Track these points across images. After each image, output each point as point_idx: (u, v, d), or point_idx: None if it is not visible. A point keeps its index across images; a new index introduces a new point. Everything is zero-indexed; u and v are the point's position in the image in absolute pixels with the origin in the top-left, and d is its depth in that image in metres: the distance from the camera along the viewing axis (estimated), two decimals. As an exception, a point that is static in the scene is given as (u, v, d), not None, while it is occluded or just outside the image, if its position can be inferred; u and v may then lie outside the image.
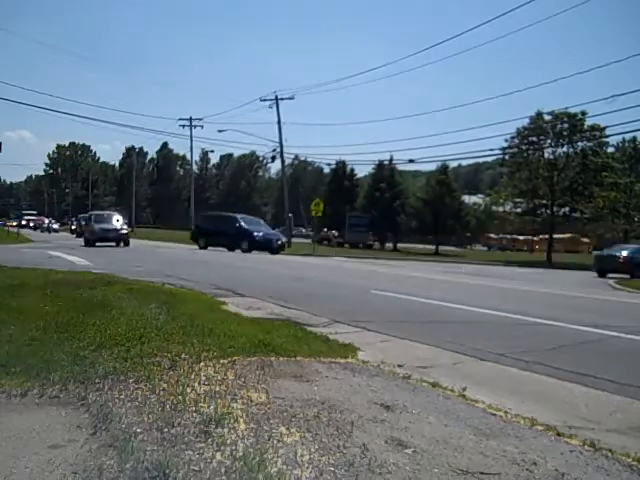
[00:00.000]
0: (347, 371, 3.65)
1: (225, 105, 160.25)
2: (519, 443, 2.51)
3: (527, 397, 3.44)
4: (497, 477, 2.13)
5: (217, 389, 2.96)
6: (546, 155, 39.82)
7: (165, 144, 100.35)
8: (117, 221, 24.31)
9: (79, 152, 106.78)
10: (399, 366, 3.97)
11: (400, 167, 52.35)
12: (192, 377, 3.14)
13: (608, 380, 3.92)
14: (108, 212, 28.81)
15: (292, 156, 60.78)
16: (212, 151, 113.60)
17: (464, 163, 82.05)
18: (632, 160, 59.92)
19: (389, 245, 51.59)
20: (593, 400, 3.49)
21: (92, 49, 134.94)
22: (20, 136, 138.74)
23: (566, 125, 37.83)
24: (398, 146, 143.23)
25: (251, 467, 2.00)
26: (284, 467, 2.04)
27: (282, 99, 37.32)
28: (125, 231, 23.80)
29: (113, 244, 22.89)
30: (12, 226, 38.42)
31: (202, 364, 3.44)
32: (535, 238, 54.47)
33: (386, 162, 50.17)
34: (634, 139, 63.84)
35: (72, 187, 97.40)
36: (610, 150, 41.57)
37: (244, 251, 23.22)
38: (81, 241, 25.42)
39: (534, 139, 39.66)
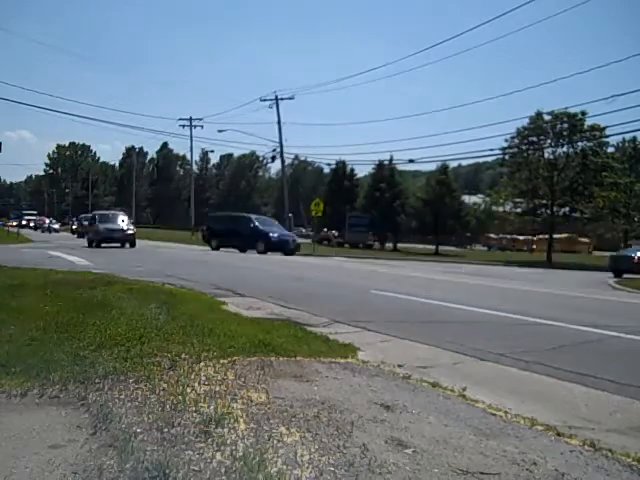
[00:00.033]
0: (347, 371, 3.65)
1: (225, 105, 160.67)
2: (519, 443, 2.51)
3: (527, 397, 3.44)
4: (497, 477, 2.13)
5: (217, 389, 2.96)
6: (546, 155, 39.81)
7: (165, 144, 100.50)
8: (122, 221, 23.53)
9: (79, 152, 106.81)
10: (399, 366, 3.97)
11: (400, 167, 52.40)
12: (192, 377, 3.14)
13: (608, 380, 3.92)
14: (113, 212, 27.68)
15: (292, 156, 60.97)
16: (212, 151, 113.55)
17: (464, 163, 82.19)
18: (632, 160, 59.97)
19: (389, 245, 51.59)
20: (593, 400, 3.49)
21: (92, 49, 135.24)
22: (20, 136, 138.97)
23: (566, 125, 37.82)
24: (398, 146, 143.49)
25: (251, 467, 2.00)
26: (284, 467, 2.04)
27: (282, 99, 37.46)
28: (131, 231, 22.93)
29: (118, 245, 22.20)
30: (12, 226, 38.36)
31: (202, 364, 3.44)
32: (534, 238, 54.49)
33: (386, 162, 50.19)
34: (634, 139, 63.92)
35: (72, 187, 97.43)
36: (610, 150, 41.55)
37: (260, 252, 22.72)
38: (83, 242, 25.31)
39: (534, 139, 39.64)
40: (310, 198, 41.84)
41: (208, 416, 2.50)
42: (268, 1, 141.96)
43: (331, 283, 10.97)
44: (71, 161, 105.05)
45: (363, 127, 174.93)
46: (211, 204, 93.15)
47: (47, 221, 56.86)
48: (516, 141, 39.47)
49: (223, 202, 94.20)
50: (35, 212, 68.39)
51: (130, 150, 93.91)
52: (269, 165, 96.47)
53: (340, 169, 54.01)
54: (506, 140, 38.91)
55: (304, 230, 61.98)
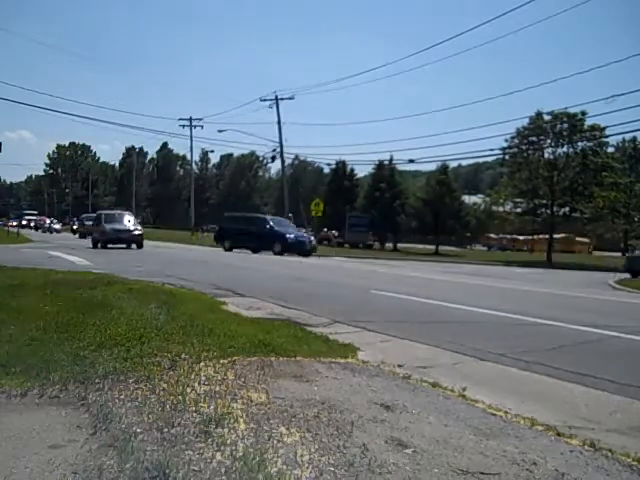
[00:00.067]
0: (347, 371, 3.65)
1: (225, 105, 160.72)
2: (519, 443, 2.51)
3: (527, 397, 3.44)
4: (497, 477, 2.13)
5: (217, 389, 2.96)
6: (546, 155, 39.84)
7: (165, 144, 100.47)
8: (129, 221, 22.60)
9: (79, 152, 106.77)
10: (399, 366, 3.97)
11: (400, 167, 52.43)
12: (192, 377, 3.14)
13: (608, 380, 3.92)
14: (119, 211, 26.36)
15: (292, 156, 60.87)
16: (212, 151, 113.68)
17: (464, 163, 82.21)
18: (632, 160, 60.06)
19: (389, 245, 51.61)
20: (593, 400, 3.49)
21: (92, 49, 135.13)
22: (20, 136, 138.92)
23: (566, 125, 37.84)
24: (398, 146, 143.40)
25: (251, 467, 2.00)
26: (284, 467, 2.04)
27: (282, 99, 37.43)
28: (139, 232, 21.83)
29: (123, 246, 21.26)
30: (12, 226, 38.31)
31: (202, 364, 3.44)
32: (534, 238, 54.48)
33: (386, 162, 50.22)
34: (634, 139, 64.03)
35: (72, 187, 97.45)
36: (610, 150, 41.57)
37: (276, 253, 22.39)
38: (85, 242, 25.14)
39: (534, 139, 39.66)
40: (310, 198, 41.85)
41: (208, 416, 2.50)
42: (268, 1, 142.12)
43: (331, 283, 10.97)
44: (71, 161, 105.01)
45: (363, 127, 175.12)
46: (211, 204, 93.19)
47: (48, 221, 56.00)
48: (516, 141, 39.52)
49: (223, 202, 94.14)
50: (35, 212, 68.32)
51: (130, 150, 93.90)
52: (269, 165, 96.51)
53: (340, 169, 54.03)
54: (506, 140, 38.99)
55: (304, 230, 61.87)
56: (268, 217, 25.90)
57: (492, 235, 63.86)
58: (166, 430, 2.33)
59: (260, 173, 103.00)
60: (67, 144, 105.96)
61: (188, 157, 66.89)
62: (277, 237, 23.13)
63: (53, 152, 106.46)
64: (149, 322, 4.57)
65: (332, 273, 14.20)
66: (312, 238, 25.73)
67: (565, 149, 39.43)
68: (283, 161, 39.66)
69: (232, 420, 2.49)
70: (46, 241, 27.75)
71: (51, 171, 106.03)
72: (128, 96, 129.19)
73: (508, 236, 62.59)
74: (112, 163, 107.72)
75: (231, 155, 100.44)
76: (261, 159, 70.11)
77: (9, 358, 3.28)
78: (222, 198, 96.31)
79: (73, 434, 2.29)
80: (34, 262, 11.47)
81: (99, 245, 21.13)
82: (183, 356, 3.56)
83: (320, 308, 6.63)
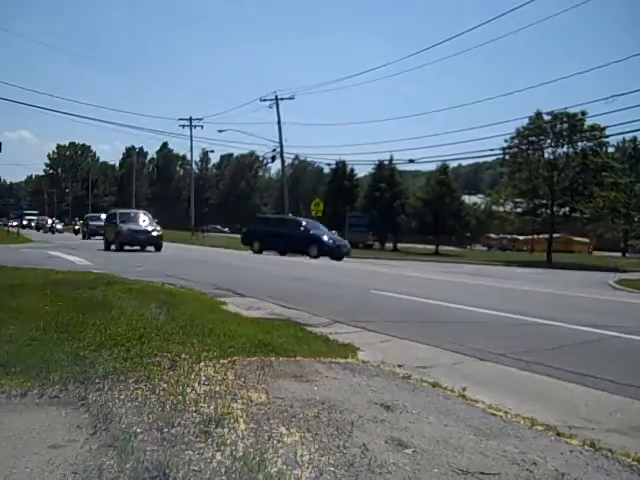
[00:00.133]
0: (347, 371, 3.65)
1: (225, 105, 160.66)
2: (519, 443, 2.51)
3: (527, 397, 3.44)
4: (497, 477, 2.13)
5: (217, 389, 2.96)
6: (546, 155, 39.80)
7: (165, 144, 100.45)
8: (146, 221, 20.84)
9: (79, 152, 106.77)
10: (399, 366, 3.97)
11: (400, 167, 52.39)
12: (192, 377, 3.14)
13: (608, 380, 3.92)
14: (134, 210, 24.03)
15: (292, 156, 60.87)
16: (212, 151, 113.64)
17: (464, 163, 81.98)
18: (632, 160, 60.10)
19: (389, 245, 51.59)
20: (593, 400, 3.49)
21: (92, 49, 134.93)
22: (20, 136, 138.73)
23: (566, 125, 37.82)
24: (398, 146, 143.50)
25: (251, 467, 2.00)
26: (284, 467, 2.04)
27: (282, 99, 37.39)
28: (157, 233, 20.01)
29: (138, 248, 19.59)
30: (12, 226, 38.26)
31: (202, 364, 3.44)
32: (534, 237, 54.49)
33: (386, 162, 50.19)
34: (634, 139, 64.09)
35: (72, 187, 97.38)
36: (610, 150, 41.55)
37: (312, 257, 21.66)
38: (90, 243, 24.84)
39: (534, 139, 39.64)
40: (310, 198, 41.90)
41: (208, 416, 2.50)
42: (268, 1, 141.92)
43: (331, 283, 10.97)
44: (71, 161, 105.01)
45: (363, 127, 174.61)
46: (211, 204, 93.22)
47: (50, 221, 54.50)
48: (516, 141, 39.47)
49: (223, 202, 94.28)
50: (36, 212, 68.26)
51: (130, 150, 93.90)
52: (269, 165, 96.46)
53: (340, 169, 53.98)
54: (506, 140, 38.94)
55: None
56: (302, 220, 25.06)
57: (492, 235, 63.85)
58: (166, 430, 2.33)
59: (260, 173, 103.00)
60: (67, 144, 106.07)
61: (188, 157, 66.92)
62: (313, 240, 22.57)
63: (53, 152, 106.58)
64: (149, 322, 4.57)
65: (332, 273, 14.20)
66: (348, 243, 25.05)
67: (565, 149, 39.43)
68: (283, 161, 39.68)
69: (232, 420, 2.49)
70: (46, 241, 27.75)
71: (51, 171, 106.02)
72: (128, 96, 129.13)
73: (508, 236, 62.59)
74: (112, 163, 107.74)
75: (231, 155, 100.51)
76: (261, 159, 70.10)
77: (9, 358, 3.29)
78: (222, 198, 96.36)
79: (73, 434, 2.29)
80: (34, 262, 11.47)
81: (113, 247, 19.68)
82: (183, 356, 3.56)
83: (320, 308, 6.63)
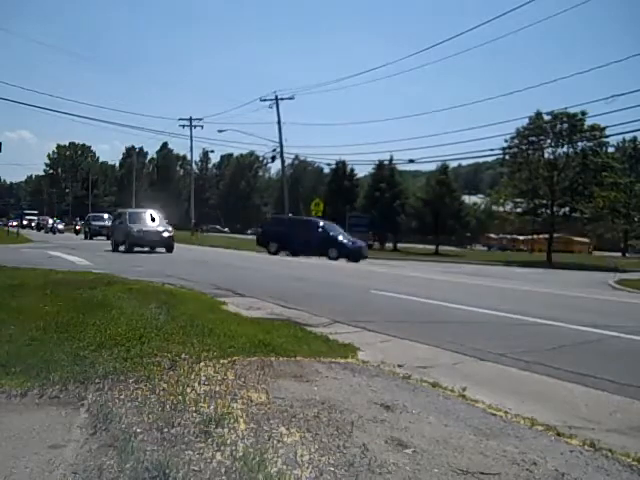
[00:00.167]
0: (347, 371, 3.65)
1: (225, 105, 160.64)
2: (519, 443, 2.51)
3: (527, 397, 3.44)
4: (497, 477, 2.13)
5: (217, 389, 2.96)
6: (546, 155, 39.80)
7: (165, 144, 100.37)
8: (155, 221, 19.69)
9: (79, 152, 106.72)
10: (399, 366, 3.97)
11: (400, 167, 52.35)
12: (192, 377, 3.14)
13: (608, 380, 3.92)
14: (145, 210, 22.09)
15: (292, 156, 60.73)
16: (212, 151, 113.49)
17: (464, 163, 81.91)
18: (632, 160, 60.11)
19: (389, 245, 51.56)
20: (593, 400, 3.49)
21: (92, 49, 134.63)
22: (20, 136, 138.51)
23: (566, 125, 37.82)
24: (398, 146, 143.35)
25: (251, 467, 2.00)
26: (284, 467, 2.04)
27: (282, 99, 37.34)
28: (169, 234, 19.02)
29: (146, 249, 18.61)
30: (12, 226, 38.23)
31: (202, 364, 3.44)
32: (533, 237, 54.49)
33: (386, 162, 50.16)
34: (634, 139, 64.11)
35: (72, 187, 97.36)
36: (610, 150, 41.54)
37: (331, 259, 21.38)
38: (92, 244, 24.66)
39: (534, 139, 39.64)
40: (310, 198, 41.84)
41: (208, 416, 2.50)
42: (268, 1, 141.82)
43: (331, 283, 10.97)
44: (71, 161, 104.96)
45: (363, 127, 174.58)
46: (211, 204, 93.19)
47: (51, 221, 53.38)
48: (516, 141, 39.46)
49: (223, 202, 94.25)
50: (36, 212, 68.19)
51: (130, 150, 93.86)
52: (269, 165, 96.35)
53: (340, 169, 53.95)
54: (506, 140, 38.92)
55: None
56: (320, 221, 24.66)
57: (492, 235, 63.84)
58: (166, 430, 2.33)
59: (260, 173, 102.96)
60: (67, 144, 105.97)
61: (188, 157, 66.86)
62: (332, 242, 22.31)
63: (53, 152, 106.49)
64: (149, 322, 4.57)
65: (332, 273, 14.20)
66: (365, 245, 24.81)
67: (565, 149, 39.44)
68: (283, 161, 39.66)
69: (232, 420, 2.49)
70: (46, 241, 27.73)
71: (51, 171, 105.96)
72: (128, 96, 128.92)
73: (508, 236, 62.58)
74: (112, 163, 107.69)
75: (231, 155, 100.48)
76: (261, 159, 70.09)
77: (9, 358, 3.29)
78: (222, 198, 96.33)
79: (73, 434, 2.29)
80: (34, 262, 11.47)
81: (123, 248, 18.77)
82: (183, 356, 3.56)
83: (320, 308, 6.63)
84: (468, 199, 51.71)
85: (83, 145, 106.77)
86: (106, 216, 36.16)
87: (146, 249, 18.64)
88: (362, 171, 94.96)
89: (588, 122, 36.92)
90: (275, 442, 2.28)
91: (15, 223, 38.33)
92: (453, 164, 61.55)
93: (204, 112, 55.09)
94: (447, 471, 2.13)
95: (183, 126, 49.10)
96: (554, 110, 38.25)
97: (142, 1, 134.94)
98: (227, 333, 4.37)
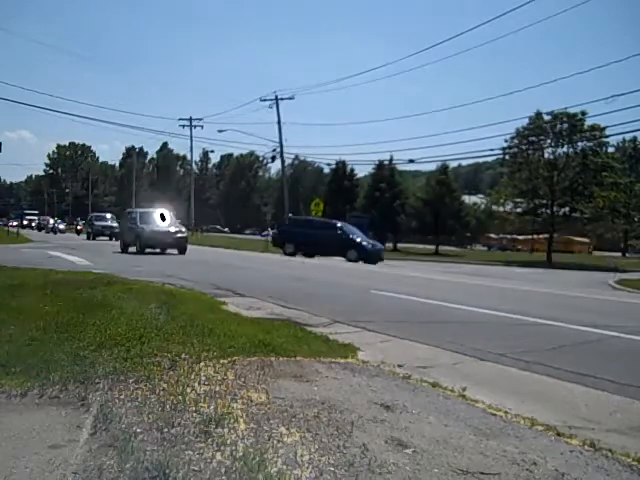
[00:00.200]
0: (347, 371, 3.65)
1: (225, 105, 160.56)
2: (519, 443, 2.51)
3: (527, 397, 3.44)
4: (497, 477, 2.13)
5: (217, 389, 2.96)
6: (546, 155, 39.80)
7: (165, 144, 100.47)
8: (167, 221, 18.80)
9: (79, 152, 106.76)
10: (399, 366, 3.97)
11: (400, 167, 52.32)
12: (192, 377, 3.14)
13: (608, 380, 3.92)
14: (156, 209, 20.67)
15: (292, 156, 60.79)
16: (212, 151, 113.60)
17: (464, 163, 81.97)
18: (632, 160, 60.14)
19: (389, 245, 51.49)
20: (593, 400, 3.49)
21: (92, 49, 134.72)
22: (20, 136, 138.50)
23: (566, 125, 37.81)
24: (398, 146, 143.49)
25: (251, 467, 2.00)
26: (284, 467, 2.04)
27: (282, 99, 37.36)
28: (182, 235, 18.26)
29: (157, 250, 17.91)
30: (12, 226, 38.20)
31: (202, 364, 3.44)
32: (533, 237, 54.48)
33: (386, 162, 50.14)
34: (634, 139, 64.15)
35: (72, 187, 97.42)
36: (610, 150, 41.53)
37: (350, 261, 21.06)
38: (94, 244, 24.52)
39: (534, 139, 39.63)
40: (310, 198, 41.84)
41: (208, 416, 2.50)
42: (268, 1, 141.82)
43: (331, 283, 10.97)
44: (71, 161, 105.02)
45: (363, 127, 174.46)
46: (211, 204, 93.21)
47: (51, 221, 52.56)
48: (516, 141, 39.46)
49: (223, 202, 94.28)
50: (36, 212, 68.15)
51: (130, 150, 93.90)
52: (269, 165, 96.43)
53: (340, 169, 53.95)
54: (506, 140, 38.92)
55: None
56: (338, 223, 24.34)
57: (492, 235, 63.83)
58: (166, 430, 2.33)
59: (260, 173, 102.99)
60: (67, 144, 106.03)
61: (188, 157, 66.86)
62: (352, 244, 22.12)
63: (53, 152, 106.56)
64: (149, 322, 4.57)
65: (332, 273, 14.20)
66: (382, 247, 24.67)
67: (565, 149, 39.43)
68: (283, 161, 39.67)
69: (232, 420, 2.49)
70: (46, 241, 27.72)
71: (51, 171, 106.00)
72: (128, 96, 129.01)
73: (508, 236, 62.56)
74: (112, 163, 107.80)
75: (231, 155, 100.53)
76: (261, 159, 70.19)
77: (9, 358, 3.29)
78: (222, 198, 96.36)
79: (73, 434, 2.29)
80: (34, 262, 11.47)
81: (136, 249, 17.93)
82: (183, 356, 3.56)
83: (320, 308, 6.63)
84: (468, 199, 51.67)
85: (83, 145, 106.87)
86: (109, 216, 35.94)
87: (157, 250, 18.03)
88: (362, 171, 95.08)
89: (588, 122, 36.95)
90: (275, 442, 2.28)
91: (15, 223, 38.32)
92: (453, 164, 61.62)
93: (204, 112, 55.16)
94: (447, 471, 2.13)
95: (183, 126, 49.16)
96: (554, 110, 38.28)
97: (142, 1, 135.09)
98: (227, 333, 4.37)
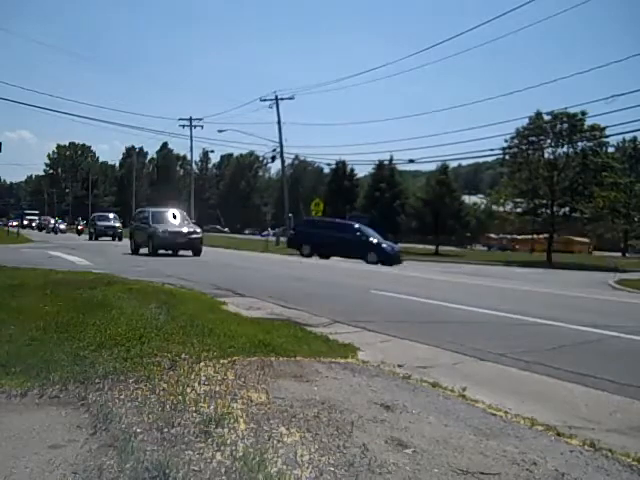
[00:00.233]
0: (347, 371, 3.65)
1: (225, 105, 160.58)
2: (519, 443, 2.51)
3: (527, 397, 3.44)
4: (497, 477, 2.13)
5: (217, 389, 2.96)
6: (546, 155, 39.80)
7: (165, 144, 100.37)
8: (180, 221, 18.35)
9: (79, 152, 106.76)
10: (399, 366, 3.97)
11: (400, 167, 52.44)
12: (192, 377, 3.14)
13: (608, 380, 3.92)
14: (169, 209, 20.29)
15: (292, 156, 60.71)
16: (212, 151, 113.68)
17: (464, 163, 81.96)
18: (632, 160, 60.11)
19: (389, 245, 51.51)
20: (593, 400, 3.49)
21: (92, 49, 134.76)
22: (20, 136, 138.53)
23: (566, 125, 37.82)
24: (398, 146, 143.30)
25: (251, 467, 2.00)
26: (284, 467, 2.04)
27: (282, 99, 37.36)
28: (197, 235, 17.71)
29: (169, 252, 17.28)
30: (12, 226, 38.19)
31: (202, 364, 3.44)
32: (533, 237, 54.47)
33: (386, 162, 50.22)
34: (634, 139, 64.10)
35: (72, 187, 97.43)
36: (610, 150, 41.54)
37: (369, 263, 20.73)
38: (88, 244, 24.70)
39: (534, 139, 39.63)
40: (310, 198, 41.86)
41: (208, 416, 2.50)
42: (268, 1, 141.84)
43: (331, 283, 10.97)
44: (71, 161, 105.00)
45: (363, 127, 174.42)
46: (211, 204, 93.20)
47: (52, 221, 52.16)
48: (516, 141, 39.46)
49: (223, 202, 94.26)
50: (37, 212, 68.12)
51: (130, 150, 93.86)
52: (269, 165, 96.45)
53: (340, 169, 54.05)
54: (506, 140, 38.92)
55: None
56: (356, 224, 24.21)
57: (492, 235, 63.81)
58: (166, 430, 2.33)
59: (260, 173, 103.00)
60: (67, 144, 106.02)
61: (188, 157, 66.73)
62: (372, 247, 21.98)
63: (53, 152, 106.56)
64: (149, 322, 4.57)
65: (332, 273, 14.20)
66: (399, 246, 24.41)
67: (565, 149, 39.44)
68: (283, 161, 39.67)
69: (232, 420, 2.49)
70: (46, 241, 27.72)
71: (51, 171, 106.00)
72: (128, 96, 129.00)
73: (508, 236, 62.54)
74: (112, 163, 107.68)
75: (231, 155, 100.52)
76: (261, 159, 70.11)
77: (9, 358, 3.29)
78: (222, 198, 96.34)
79: (73, 434, 2.29)
80: (34, 262, 11.47)
81: (148, 251, 17.26)
82: (183, 356, 3.56)
83: (320, 308, 6.63)
84: (468, 199, 51.66)
85: (83, 145, 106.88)
86: (112, 216, 35.51)
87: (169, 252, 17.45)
88: (362, 171, 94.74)
89: (588, 122, 36.95)
90: (275, 442, 2.28)
91: (15, 223, 38.31)
92: (453, 164, 61.59)
93: (204, 112, 55.06)
94: (447, 471, 2.13)
95: (183, 126, 49.07)
96: (554, 110, 38.28)
97: (142, 1, 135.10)
98: (227, 333, 4.37)
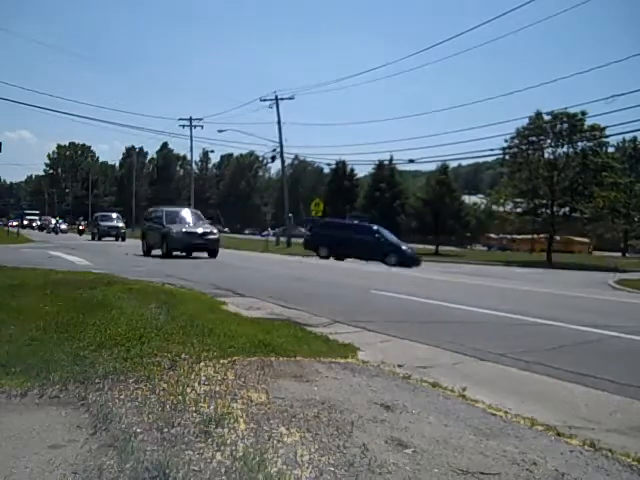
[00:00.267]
0: (347, 371, 3.65)
1: (225, 105, 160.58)
2: (519, 443, 2.51)
3: (527, 397, 3.44)
4: (497, 477, 2.13)
5: (217, 389, 2.96)
6: (546, 155, 39.79)
7: (165, 144, 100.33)
8: (196, 221, 17.62)
9: (79, 152, 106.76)
10: (399, 366, 3.97)
11: (400, 167, 52.47)
12: (192, 377, 3.14)
13: (608, 380, 3.92)
14: (183, 208, 19.74)
15: (292, 156, 60.64)
16: (212, 151, 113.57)
17: (464, 163, 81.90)
18: (632, 160, 60.10)
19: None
20: (593, 400, 3.49)
21: (92, 49, 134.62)
22: (20, 136, 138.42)
23: (566, 125, 37.81)
24: (398, 146, 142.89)
25: (251, 467, 2.00)
26: (284, 467, 2.04)
27: (282, 99, 37.36)
28: (214, 236, 16.98)
29: (180, 253, 16.62)
30: (12, 226, 38.19)
31: (202, 364, 3.44)
32: (533, 237, 54.47)
33: (386, 162, 50.24)
34: (634, 139, 64.10)
35: (72, 187, 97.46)
36: (610, 150, 41.53)
37: (389, 265, 20.38)
38: (88, 244, 24.66)
39: (534, 139, 39.63)
40: (310, 198, 41.92)
41: (208, 416, 2.50)
42: (268, 1, 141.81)
43: (331, 283, 10.97)
44: (71, 161, 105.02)
45: (363, 127, 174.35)
46: (211, 204, 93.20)
47: (53, 221, 52.18)
48: (516, 141, 39.45)
49: (223, 202, 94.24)
50: (37, 212, 68.11)
51: (130, 150, 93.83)
52: (269, 165, 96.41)
53: (340, 169, 54.07)
54: (506, 140, 38.90)
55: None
56: (374, 226, 24.13)
57: (492, 235, 63.80)
58: (166, 430, 2.33)
59: (260, 173, 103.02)
60: (67, 144, 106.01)
61: (188, 157, 66.74)
62: (392, 249, 21.87)
63: (53, 152, 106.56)
64: (149, 322, 4.57)
65: (332, 273, 14.20)
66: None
67: (565, 149, 39.42)
68: (283, 161, 39.68)
69: (232, 420, 2.49)
70: (47, 241, 27.71)
71: (51, 171, 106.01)
72: (128, 96, 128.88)
73: (508, 236, 62.53)
74: (112, 163, 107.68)
75: (231, 155, 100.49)
76: (261, 159, 70.05)
77: (9, 358, 3.29)
78: (222, 198, 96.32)
79: (73, 434, 2.29)
80: (34, 262, 11.47)
81: (161, 252, 16.63)
82: (183, 356, 3.56)
83: (320, 308, 6.63)
84: (468, 199, 51.67)
85: (83, 145, 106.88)
86: (115, 215, 35.16)
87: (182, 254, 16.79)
88: (362, 171, 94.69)
89: (588, 122, 36.92)
90: (275, 442, 2.28)
91: (15, 223, 38.31)
92: (453, 164, 61.57)
93: (204, 112, 55.01)
94: (447, 471, 2.13)
95: (183, 126, 49.06)
96: (554, 110, 38.25)
97: (142, 1, 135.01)
98: (227, 333, 4.37)
